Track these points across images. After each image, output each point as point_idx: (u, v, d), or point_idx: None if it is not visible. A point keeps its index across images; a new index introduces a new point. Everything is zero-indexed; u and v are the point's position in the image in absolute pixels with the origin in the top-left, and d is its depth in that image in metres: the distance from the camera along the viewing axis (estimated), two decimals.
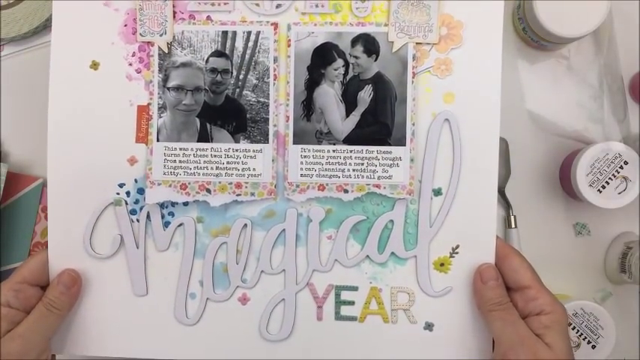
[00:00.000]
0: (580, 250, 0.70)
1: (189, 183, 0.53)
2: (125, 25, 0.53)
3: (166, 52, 0.53)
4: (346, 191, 0.52)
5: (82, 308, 0.55)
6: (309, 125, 0.53)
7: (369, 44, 0.52)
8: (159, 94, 0.53)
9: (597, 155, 0.64)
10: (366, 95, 0.52)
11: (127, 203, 0.54)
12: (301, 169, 0.53)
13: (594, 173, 0.64)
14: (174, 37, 0.53)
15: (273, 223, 0.54)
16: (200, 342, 0.55)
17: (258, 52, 0.52)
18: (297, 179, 0.53)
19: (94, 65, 0.54)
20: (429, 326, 0.54)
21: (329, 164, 0.53)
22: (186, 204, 0.54)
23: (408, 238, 0.53)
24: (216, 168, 0.53)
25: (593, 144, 0.65)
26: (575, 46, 0.69)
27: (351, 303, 0.54)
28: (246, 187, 0.53)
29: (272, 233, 0.54)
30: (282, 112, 0.53)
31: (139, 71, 0.53)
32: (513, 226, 0.68)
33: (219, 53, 0.53)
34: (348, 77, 0.53)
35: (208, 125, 0.53)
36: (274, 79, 0.53)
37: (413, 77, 0.52)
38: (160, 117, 0.53)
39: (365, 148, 0.52)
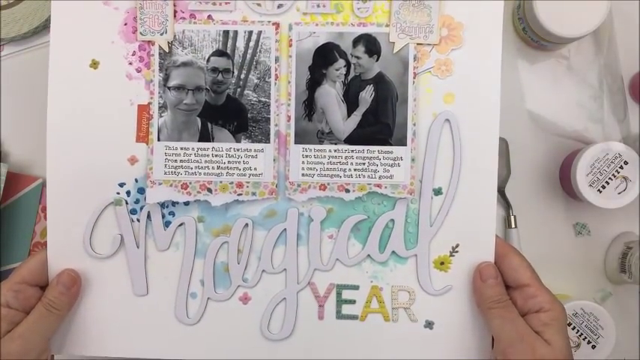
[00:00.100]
0: (580, 250, 0.73)
1: (190, 182, 0.55)
2: (125, 24, 0.56)
3: (167, 51, 0.55)
4: (347, 191, 0.55)
5: (82, 308, 0.57)
6: (310, 125, 0.55)
7: (370, 45, 0.55)
8: (159, 93, 0.55)
9: (597, 155, 0.66)
10: (367, 95, 0.55)
11: (127, 203, 0.56)
12: (303, 168, 0.55)
13: (594, 173, 0.66)
14: (174, 36, 0.55)
15: (274, 222, 0.56)
16: (201, 341, 0.57)
17: (260, 51, 0.55)
18: (298, 179, 0.55)
19: (94, 64, 0.56)
20: (429, 324, 0.56)
21: (330, 164, 0.55)
22: (187, 203, 0.56)
23: (409, 237, 0.56)
24: (218, 167, 0.55)
25: (593, 144, 0.67)
26: (575, 46, 0.72)
27: (352, 302, 0.57)
28: (247, 186, 0.55)
29: (273, 233, 0.56)
30: (283, 112, 0.55)
31: (139, 70, 0.56)
32: (513, 226, 0.71)
33: (220, 53, 0.55)
34: (349, 77, 0.55)
35: (209, 125, 0.55)
36: (276, 79, 0.55)
37: (414, 78, 0.55)
38: (161, 116, 0.55)
39: (366, 148, 0.55)
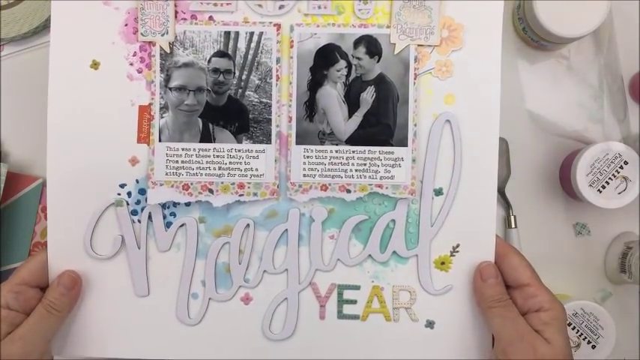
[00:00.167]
0: (580, 250, 0.74)
1: (191, 183, 0.57)
2: (126, 25, 0.57)
3: (168, 52, 0.57)
4: (349, 191, 0.57)
5: (83, 309, 0.58)
6: (311, 126, 0.57)
7: (371, 46, 0.57)
8: (160, 94, 0.57)
9: (597, 155, 0.68)
10: (368, 96, 0.57)
11: (128, 204, 0.58)
12: (304, 169, 0.57)
13: (594, 173, 0.68)
14: (176, 37, 0.57)
15: (275, 223, 0.58)
16: (203, 342, 0.59)
17: (261, 52, 0.57)
18: (299, 179, 0.57)
19: (95, 65, 0.57)
20: (430, 324, 0.58)
21: (332, 164, 0.57)
22: (188, 204, 0.58)
23: (410, 237, 0.58)
24: (219, 168, 0.57)
25: (593, 144, 0.69)
26: (575, 46, 0.73)
27: (354, 302, 0.59)
28: (248, 187, 0.57)
29: (274, 233, 0.58)
30: (284, 113, 0.57)
31: (140, 71, 0.57)
32: (513, 226, 0.73)
33: (221, 53, 0.57)
34: (350, 78, 0.57)
35: (211, 125, 0.57)
36: (277, 80, 0.57)
37: (414, 79, 0.57)
38: (162, 117, 0.57)
39: (367, 148, 0.57)
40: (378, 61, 0.57)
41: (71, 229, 0.58)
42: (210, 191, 0.57)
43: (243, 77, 0.57)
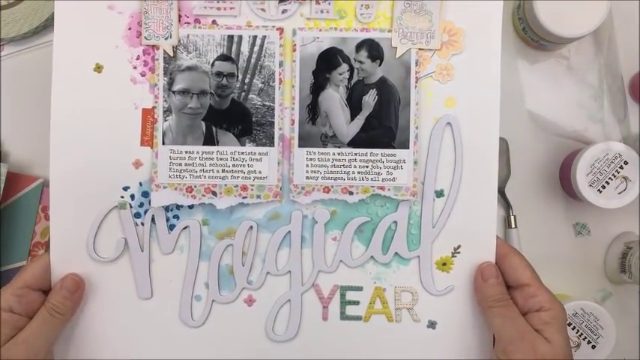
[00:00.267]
0: (580, 250, 0.77)
1: (195, 186, 0.60)
2: (129, 29, 0.60)
3: (172, 55, 0.59)
4: (351, 193, 0.60)
5: (86, 312, 0.61)
6: (314, 129, 0.60)
7: (373, 49, 0.60)
8: (164, 97, 0.60)
9: (597, 155, 0.70)
10: (370, 99, 0.60)
11: (131, 207, 0.60)
12: (307, 171, 0.60)
13: (594, 173, 0.70)
14: (179, 40, 0.60)
15: (278, 225, 0.61)
16: (206, 343, 0.61)
17: (264, 56, 0.60)
18: (302, 182, 0.60)
19: (98, 68, 0.60)
20: (431, 324, 0.61)
21: (334, 167, 0.60)
22: (191, 207, 0.60)
23: (411, 238, 0.61)
24: (222, 171, 0.60)
25: (593, 144, 0.71)
26: (575, 46, 0.76)
27: (356, 303, 0.61)
28: (252, 189, 0.60)
29: (277, 235, 0.61)
30: (287, 116, 0.60)
31: (143, 74, 0.60)
32: (513, 226, 0.75)
33: (224, 57, 0.60)
34: (352, 82, 0.60)
35: (214, 128, 0.60)
36: (280, 83, 0.60)
37: (416, 82, 0.60)
38: (166, 120, 0.60)
39: (369, 151, 0.60)
40: (380, 65, 0.60)
41: (74, 232, 0.60)
42: (214, 194, 0.60)
43: (247, 81, 0.60)
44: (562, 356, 0.55)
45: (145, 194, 0.61)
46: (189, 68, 0.60)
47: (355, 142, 0.60)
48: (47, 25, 0.74)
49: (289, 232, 0.61)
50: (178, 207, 0.61)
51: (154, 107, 0.60)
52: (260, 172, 0.60)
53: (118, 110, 0.61)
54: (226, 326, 0.62)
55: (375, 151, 0.60)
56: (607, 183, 0.71)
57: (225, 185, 0.60)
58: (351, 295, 0.62)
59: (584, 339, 0.72)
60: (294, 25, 0.60)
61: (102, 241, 0.61)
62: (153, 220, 0.61)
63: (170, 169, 0.60)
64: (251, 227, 0.61)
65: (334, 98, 0.60)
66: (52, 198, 0.61)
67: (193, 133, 0.60)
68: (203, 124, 0.60)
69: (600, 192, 0.71)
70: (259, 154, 0.60)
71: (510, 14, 0.77)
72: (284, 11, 0.60)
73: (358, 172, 0.60)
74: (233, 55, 0.60)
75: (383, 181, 0.60)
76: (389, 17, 0.60)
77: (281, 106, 0.60)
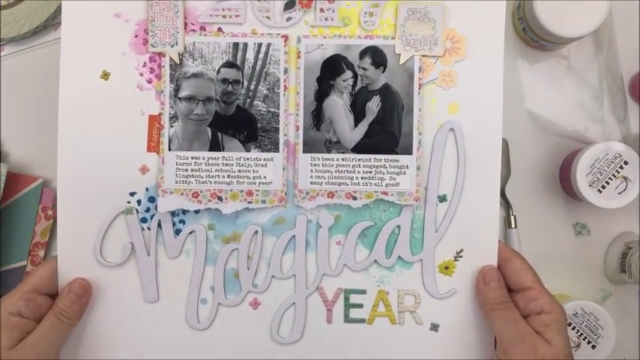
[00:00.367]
0: (580, 250, 0.79)
1: (201, 191, 0.62)
2: (136, 36, 0.62)
3: (178, 62, 0.62)
4: (355, 198, 0.63)
5: (93, 316, 0.63)
6: (318, 134, 0.63)
7: (376, 56, 0.62)
8: (170, 103, 0.62)
9: (597, 155, 0.72)
10: (374, 106, 0.63)
11: (137, 212, 0.63)
12: (311, 177, 0.63)
13: (594, 173, 0.72)
14: (185, 48, 0.62)
15: (283, 229, 0.63)
16: (212, 346, 0.64)
17: (269, 63, 0.62)
18: (306, 187, 0.63)
19: (105, 75, 0.62)
20: (434, 327, 0.64)
21: (338, 172, 0.63)
22: (197, 212, 0.63)
23: (415, 242, 0.64)
24: (228, 176, 0.63)
25: (593, 144, 0.73)
26: (575, 46, 0.78)
27: (360, 306, 0.64)
28: (257, 194, 0.63)
29: (282, 239, 0.63)
30: (292, 122, 0.63)
31: (150, 81, 0.62)
32: (513, 226, 0.78)
33: (230, 64, 0.62)
34: (356, 88, 0.63)
35: (219, 134, 0.63)
36: (284, 90, 0.63)
37: (419, 88, 0.62)
38: (172, 126, 0.62)
39: (373, 156, 0.63)
40: (384, 72, 0.63)
41: (81, 237, 0.63)
42: (220, 199, 0.63)
43: (252, 87, 0.63)
44: (562, 357, 0.57)
45: (152, 199, 0.63)
46: (195, 75, 0.63)
47: (359, 148, 0.63)
48: (47, 25, 0.75)
49: (294, 236, 0.64)
50: (184, 212, 0.63)
51: (160, 114, 0.63)
52: (265, 178, 0.63)
53: (124, 117, 0.63)
54: (232, 329, 0.64)
55: (378, 156, 0.63)
56: (607, 183, 0.73)
57: (231, 190, 0.63)
58: (354, 298, 0.64)
59: (584, 339, 0.74)
60: (299, 33, 0.63)
61: (109, 245, 0.64)
62: (159, 224, 0.63)
63: (176, 174, 0.63)
64: (256, 232, 0.64)
65: (338, 104, 0.63)
66: (59, 203, 0.63)
67: (199, 139, 0.63)
68: (209, 130, 0.63)
69: (600, 192, 0.73)
70: (264, 159, 0.63)
71: (510, 14, 0.79)
72: (289, 19, 0.63)
73: (362, 178, 0.63)
74: (238, 62, 0.63)
75: (386, 186, 0.63)
76: (392, 24, 0.63)
77: (286, 112, 0.63)
